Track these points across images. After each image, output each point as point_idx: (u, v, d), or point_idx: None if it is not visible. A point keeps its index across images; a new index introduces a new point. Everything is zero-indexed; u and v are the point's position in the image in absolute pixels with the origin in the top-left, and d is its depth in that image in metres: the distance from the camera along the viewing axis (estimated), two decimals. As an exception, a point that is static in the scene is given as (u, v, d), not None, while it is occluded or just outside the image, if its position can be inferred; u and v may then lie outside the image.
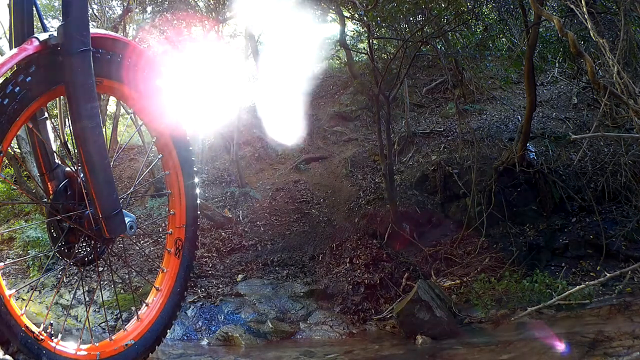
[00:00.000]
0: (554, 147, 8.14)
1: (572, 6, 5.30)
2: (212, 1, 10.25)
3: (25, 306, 1.56)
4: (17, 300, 1.42)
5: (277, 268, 7.46)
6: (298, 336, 6.08)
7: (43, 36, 1.37)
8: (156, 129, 1.83)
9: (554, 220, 7.15)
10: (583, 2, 4.56)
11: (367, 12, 7.54)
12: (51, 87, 1.39)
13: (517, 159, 7.39)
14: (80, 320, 6.65)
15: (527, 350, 4.25)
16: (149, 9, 10.48)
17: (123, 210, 1.54)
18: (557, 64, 10.21)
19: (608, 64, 4.63)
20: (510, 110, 10.34)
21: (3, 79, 1.29)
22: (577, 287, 5.15)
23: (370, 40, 8.20)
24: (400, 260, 7.27)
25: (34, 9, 1.48)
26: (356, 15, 9.04)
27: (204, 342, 6.08)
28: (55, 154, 1.62)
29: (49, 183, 1.60)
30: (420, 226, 7.94)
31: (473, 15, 8.42)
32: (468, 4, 8.41)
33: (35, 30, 1.47)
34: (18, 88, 1.30)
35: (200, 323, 6.42)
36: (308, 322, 6.34)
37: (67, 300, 6.95)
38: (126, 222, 1.54)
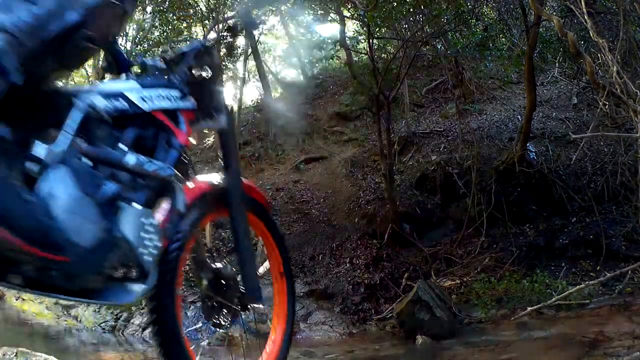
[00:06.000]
0: (553, 147, 8.14)
1: (571, 6, 5.31)
2: (212, 1, 10.23)
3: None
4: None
5: (277, 268, 7.44)
6: (298, 336, 6.07)
7: None
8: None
9: (554, 220, 7.14)
10: (583, 2, 4.56)
11: (367, 12, 7.53)
12: None
13: (517, 159, 7.38)
14: (80, 320, 6.65)
15: (527, 350, 4.25)
16: (148, 9, 10.46)
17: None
18: (557, 64, 10.20)
19: (607, 64, 4.63)
20: (510, 110, 10.33)
21: None
22: (577, 287, 5.15)
23: (370, 40, 8.19)
24: (400, 260, 7.26)
25: None
26: (356, 15, 9.04)
27: (204, 342, 6.07)
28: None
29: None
30: (420, 226, 7.93)
31: (473, 15, 8.42)
32: (468, 4, 8.40)
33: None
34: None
35: (200, 323, 6.40)
36: (308, 322, 6.34)
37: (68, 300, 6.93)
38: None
